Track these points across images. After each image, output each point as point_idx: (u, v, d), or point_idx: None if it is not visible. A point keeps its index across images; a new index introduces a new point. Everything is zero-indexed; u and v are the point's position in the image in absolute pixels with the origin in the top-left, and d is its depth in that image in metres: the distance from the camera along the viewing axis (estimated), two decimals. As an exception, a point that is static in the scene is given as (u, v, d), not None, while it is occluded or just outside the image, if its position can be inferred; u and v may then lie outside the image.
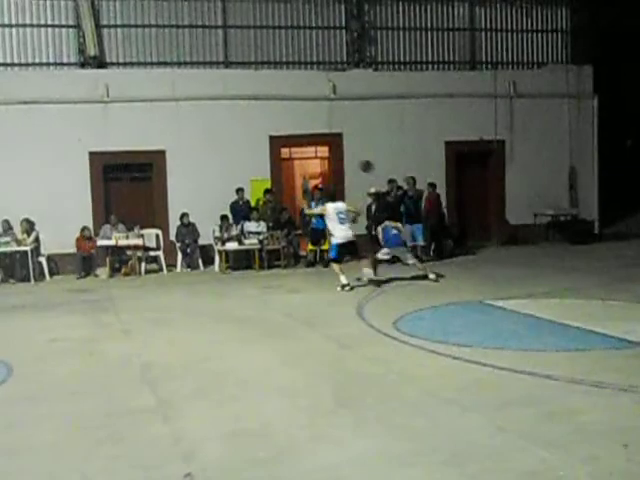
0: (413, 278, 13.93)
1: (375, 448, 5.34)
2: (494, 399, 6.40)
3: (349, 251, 13.78)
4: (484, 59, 20.61)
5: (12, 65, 17.75)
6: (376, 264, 14.00)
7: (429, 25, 20.14)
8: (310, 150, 19.83)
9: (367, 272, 13.65)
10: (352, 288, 13.10)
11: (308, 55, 19.43)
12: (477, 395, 6.56)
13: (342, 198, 18.58)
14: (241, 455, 5.30)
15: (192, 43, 18.76)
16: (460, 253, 17.75)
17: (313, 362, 8.08)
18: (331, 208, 13.60)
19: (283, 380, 7.37)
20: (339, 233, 13.48)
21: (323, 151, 19.72)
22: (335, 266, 13.55)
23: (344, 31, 19.63)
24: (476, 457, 5.10)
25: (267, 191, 17.88)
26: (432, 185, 17.86)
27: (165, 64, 18.37)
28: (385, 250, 14.11)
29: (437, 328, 9.76)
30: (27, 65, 17.77)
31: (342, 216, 13.50)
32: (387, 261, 14.44)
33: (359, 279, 13.60)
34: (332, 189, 15.39)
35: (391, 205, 16.27)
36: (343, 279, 13.21)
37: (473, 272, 15.16)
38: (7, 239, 16.40)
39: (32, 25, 17.86)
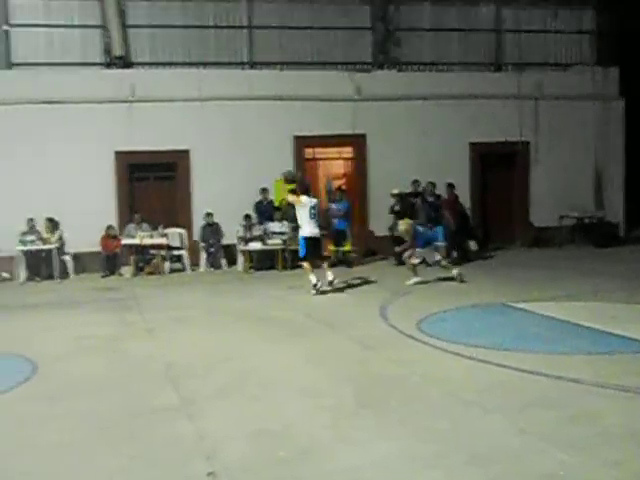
0: (437, 279, 13.92)
1: (398, 450, 5.35)
2: (516, 401, 6.40)
3: (317, 248, 13.71)
4: (509, 60, 20.52)
5: (39, 65, 17.89)
6: (415, 267, 14.01)
7: (454, 26, 20.09)
8: (334, 151, 19.84)
9: (413, 280, 13.76)
10: (320, 292, 13.11)
11: (333, 56, 19.44)
12: (499, 397, 6.55)
13: (365, 198, 18.80)
14: (263, 455, 5.33)
15: (217, 43, 18.84)
16: (483, 255, 17.70)
17: (336, 363, 8.10)
18: (306, 200, 13.46)
19: (305, 381, 7.39)
20: (307, 228, 13.37)
21: (347, 152, 19.72)
22: (306, 265, 13.42)
23: (369, 32, 19.63)
24: (497, 459, 5.10)
25: (291, 191, 17.89)
26: (450, 186, 17.78)
27: (191, 64, 18.45)
28: (419, 251, 14.02)
29: (460, 330, 9.74)
30: (54, 65, 17.90)
31: (314, 212, 13.45)
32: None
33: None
34: (307, 183, 15.10)
35: (414, 206, 16.28)
36: (313, 278, 13.15)
37: (496, 274, 15.10)
38: (32, 237, 16.57)
39: (59, 25, 18.02)
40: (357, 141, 19.17)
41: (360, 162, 19.29)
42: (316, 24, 19.24)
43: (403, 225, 14.19)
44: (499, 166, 20.10)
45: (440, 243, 15.77)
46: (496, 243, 19.26)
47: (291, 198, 13.73)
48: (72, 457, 5.43)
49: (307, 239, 13.39)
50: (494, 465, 4.99)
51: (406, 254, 14.26)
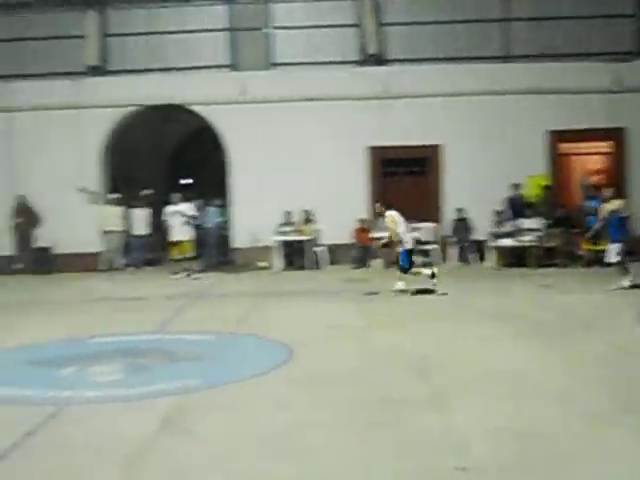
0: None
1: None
2: None
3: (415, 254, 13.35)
4: None
5: (297, 64, 18.68)
6: (624, 266, 12.97)
7: None
8: (590, 145, 19.03)
9: (620, 283, 12.81)
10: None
11: (589, 46, 18.61)
12: None
13: (625, 195, 17.83)
14: (513, 454, 5.17)
15: (470, 38, 18.70)
16: None
17: (589, 366, 7.73)
18: (396, 215, 13.11)
19: (556, 382, 7.11)
20: (409, 240, 13.12)
21: (604, 146, 18.83)
22: (403, 275, 13.03)
23: (631, 19, 18.59)
24: None
25: (545, 187, 17.46)
26: None
27: (443, 60, 18.46)
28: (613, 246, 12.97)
29: None
30: (311, 64, 18.61)
31: (406, 224, 13.22)
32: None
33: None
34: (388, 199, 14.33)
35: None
36: (402, 285, 12.92)
37: None
38: (288, 229, 17.41)
39: (317, 26, 18.71)
40: (615, 135, 18.29)
41: (619, 157, 18.37)
42: (573, 14, 18.54)
43: (611, 205, 12.95)
44: None
45: None
46: None
47: (393, 225, 13.13)
48: (323, 440, 5.58)
49: (409, 251, 13.12)
50: None
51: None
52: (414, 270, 13.22)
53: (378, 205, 13.54)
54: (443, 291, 12.78)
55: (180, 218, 16.50)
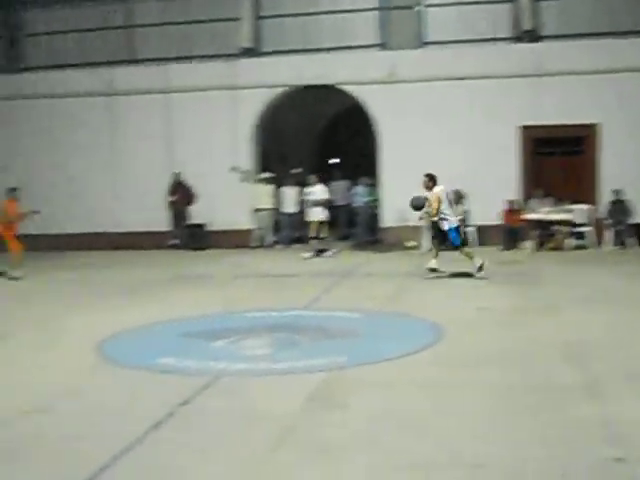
0: None
1: None
2: None
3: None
4: None
5: (450, 42, 18.40)
6: None
7: None
8: None
9: None
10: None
11: None
12: None
13: None
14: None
15: (629, 10, 17.84)
16: None
17: None
18: (441, 192, 12.64)
19: None
20: (452, 217, 12.71)
21: None
22: (468, 250, 12.85)
23: None
24: None
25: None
26: None
27: (600, 34, 17.68)
28: None
29: None
30: (464, 42, 18.29)
31: (448, 198, 12.88)
32: None
33: None
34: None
35: None
36: (477, 260, 12.53)
37: None
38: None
39: (469, 2, 18.36)
40: None
41: None
42: None
43: None
44: None
45: None
46: None
47: (435, 204, 12.61)
48: (469, 424, 5.49)
49: (456, 228, 12.76)
50: None
51: None
52: (467, 250, 12.99)
53: (426, 180, 12.91)
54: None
55: (310, 200, 17.00)
